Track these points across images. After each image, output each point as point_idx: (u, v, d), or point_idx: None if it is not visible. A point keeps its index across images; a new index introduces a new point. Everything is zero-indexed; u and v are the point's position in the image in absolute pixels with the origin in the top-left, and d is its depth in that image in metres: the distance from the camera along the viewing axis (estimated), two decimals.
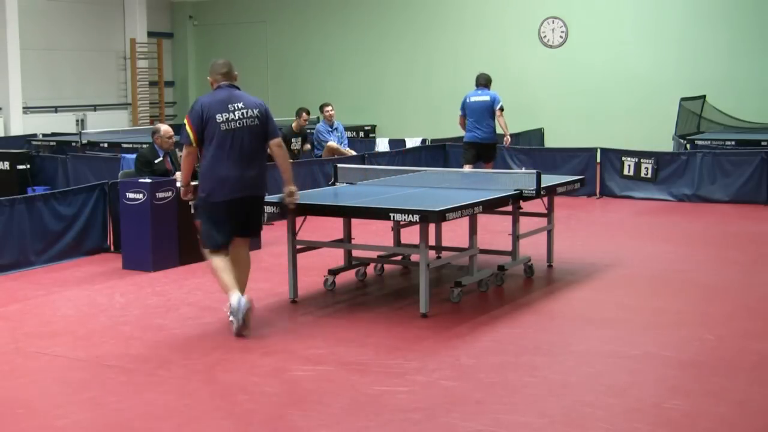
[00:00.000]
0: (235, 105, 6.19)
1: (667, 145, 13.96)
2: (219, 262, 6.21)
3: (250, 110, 6.22)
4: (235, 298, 6.05)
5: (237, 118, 6.17)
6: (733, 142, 13.01)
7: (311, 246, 7.28)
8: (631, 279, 7.86)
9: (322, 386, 5.15)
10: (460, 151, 14.23)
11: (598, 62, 17.19)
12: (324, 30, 20.08)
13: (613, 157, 12.84)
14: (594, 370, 5.41)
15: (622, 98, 16.97)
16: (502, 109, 11.46)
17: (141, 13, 20.33)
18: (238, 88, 6.36)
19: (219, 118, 6.13)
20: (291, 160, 12.61)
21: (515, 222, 7.71)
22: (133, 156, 10.75)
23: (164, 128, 9.45)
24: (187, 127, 6.19)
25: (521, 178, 7.72)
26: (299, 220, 7.05)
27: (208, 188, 6.19)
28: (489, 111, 11.46)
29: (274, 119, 6.48)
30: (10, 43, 17.19)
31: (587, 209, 11.90)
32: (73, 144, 14.72)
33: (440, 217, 6.39)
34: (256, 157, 6.25)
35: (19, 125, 17.46)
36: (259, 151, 6.28)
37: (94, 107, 19.69)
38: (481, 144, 11.62)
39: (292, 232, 6.99)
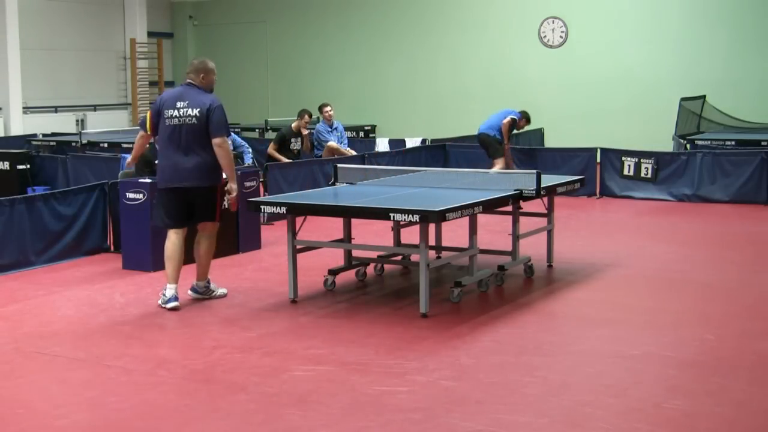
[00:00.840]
0: (182, 103, 6.81)
1: (667, 145, 13.96)
2: (168, 247, 6.92)
3: (191, 109, 6.78)
4: (171, 290, 6.86)
5: (178, 115, 6.79)
6: (733, 142, 13.01)
7: (311, 246, 7.29)
8: (631, 279, 7.86)
9: (322, 386, 5.15)
10: (459, 151, 14.34)
11: (598, 62, 17.19)
12: (324, 30, 20.07)
13: (613, 157, 12.84)
14: (594, 370, 5.41)
15: (623, 98, 16.96)
16: (511, 120, 12.78)
17: (141, 13, 20.33)
18: (199, 87, 6.92)
19: (166, 113, 6.90)
20: (290, 160, 12.78)
21: (515, 222, 7.71)
22: None
23: None
24: (147, 116, 7.09)
25: (521, 178, 7.73)
26: (299, 220, 7.06)
27: (157, 174, 7.06)
28: (499, 116, 12.95)
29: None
30: (10, 43, 17.19)
31: (587, 209, 11.90)
32: (73, 144, 14.72)
33: (440, 217, 6.39)
34: (193, 151, 6.78)
35: (19, 125, 17.46)
36: (197, 146, 6.79)
37: (94, 107, 19.69)
38: (477, 136, 13.18)
39: (292, 232, 6.99)
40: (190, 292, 7.11)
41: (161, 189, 6.95)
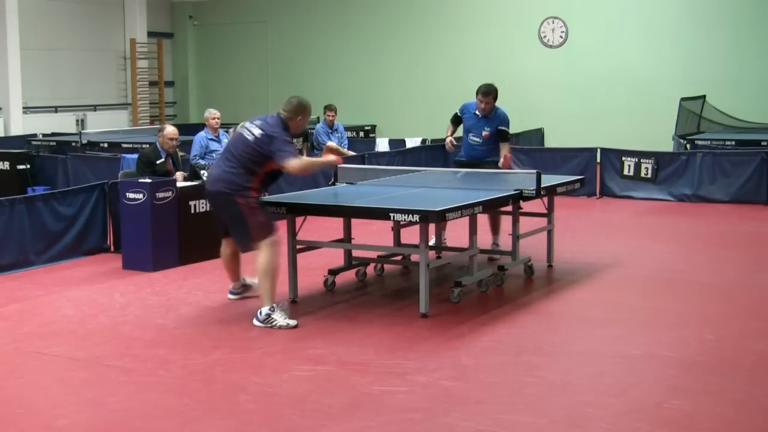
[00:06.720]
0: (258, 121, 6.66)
1: (667, 145, 13.96)
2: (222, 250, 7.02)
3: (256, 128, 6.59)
4: (231, 287, 7.17)
5: (247, 126, 6.63)
6: (733, 142, 13.01)
7: (311, 246, 7.28)
8: (631, 279, 7.86)
9: (322, 386, 5.15)
10: (459, 152, 14.28)
11: (598, 62, 17.19)
12: (324, 30, 20.08)
13: (613, 157, 12.85)
14: (594, 370, 5.41)
15: (622, 98, 16.96)
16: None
17: (141, 13, 20.33)
18: (279, 116, 6.63)
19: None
20: None
21: (515, 222, 7.71)
22: (133, 156, 10.76)
23: (169, 129, 9.40)
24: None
25: (521, 178, 7.73)
26: (299, 220, 7.06)
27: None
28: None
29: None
30: (10, 43, 17.20)
31: (587, 209, 11.90)
32: (73, 144, 14.71)
33: (440, 217, 6.39)
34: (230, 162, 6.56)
35: (19, 125, 17.46)
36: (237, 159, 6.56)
37: (94, 107, 19.69)
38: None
39: (292, 232, 6.99)
40: (253, 320, 6.49)
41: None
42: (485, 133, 8.58)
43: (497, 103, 8.63)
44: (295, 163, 6.45)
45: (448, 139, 8.92)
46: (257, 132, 6.50)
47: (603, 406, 4.80)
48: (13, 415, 4.81)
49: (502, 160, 8.47)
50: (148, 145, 10.95)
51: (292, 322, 6.35)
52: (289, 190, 10.54)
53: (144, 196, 8.25)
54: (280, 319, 6.34)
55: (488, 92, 8.49)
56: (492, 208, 7.41)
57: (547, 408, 4.79)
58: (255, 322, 6.40)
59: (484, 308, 6.88)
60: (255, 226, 6.45)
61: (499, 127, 8.50)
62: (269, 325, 6.33)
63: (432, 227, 7.71)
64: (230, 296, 7.16)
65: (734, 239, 9.76)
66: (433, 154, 14.35)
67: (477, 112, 8.62)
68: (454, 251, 8.14)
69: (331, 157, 7.01)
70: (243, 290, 7.14)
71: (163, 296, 7.35)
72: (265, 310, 6.38)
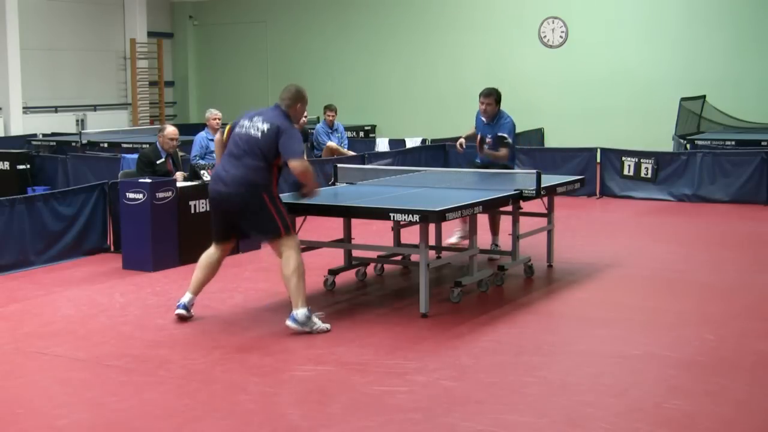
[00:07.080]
0: (258, 117, 6.43)
1: (667, 145, 13.96)
2: (203, 255, 6.66)
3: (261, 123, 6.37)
4: (184, 297, 6.59)
5: (247, 125, 6.40)
6: (733, 142, 13.01)
7: (311, 246, 7.28)
8: (631, 279, 7.86)
9: (322, 386, 5.15)
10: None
11: (598, 62, 17.19)
12: (324, 30, 20.08)
13: (613, 157, 12.85)
14: (594, 370, 5.41)
15: (622, 98, 16.97)
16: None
17: (141, 13, 20.33)
18: (279, 107, 6.47)
19: (239, 123, 6.47)
20: None
21: (515, 222, 7.71)
22: (133, 156, 10.76)
23: (169, 129, 9.40)
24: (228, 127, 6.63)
25: (521, 178, 7.73)
26: (299, 220, 7.06)
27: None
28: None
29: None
30: (10, 43, 17.20)
31: (587, 209, 11.90)
32: (73, 144, 14.72)
33: (440, 217, 6.40)
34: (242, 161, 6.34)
35: (19, 125, 17.47)
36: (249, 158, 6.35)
37: (94, 107, 19.69)
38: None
39: None
40: (288, 322, 6.23)
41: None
42: (488, 139, 8.50)
43: (504, 109, 8.62)
44: (300, 163, 6.34)
45: (460, 140, 8.89)
46: (264, 126, 6.33)
47: (603, 406, 4.80)
48: (13, 415, 4.81)
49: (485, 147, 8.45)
50: (148, 145, 10.96)
51: (328, 326, 6.28)
52: (289, 191, 10.56)
53: (144, 196, 8.25)
54: (319, 323, 6.25)
55: (489, 94, 8.55)
56: (492, 208, 7.42)
57: (547, 408, 4.79)
58: (291, 324, 6.17)
59: (484, 308, 6.88)
60: (283, 218, 6.37)
61: (498, 133, 8.42)
62: (309, 329, 6.17)
63: (432, 227, 7.71)
64: (180, 311, 6.54)
65: (734, 239, 9.76)
66: (433, 154, 14.35)
67: (483, 117, 8.61)
68: (454, 251, 8.14)
69: (318, 190, 6.74)
70: (190, 311, 6.62)
71: (163, 296, 7.35)
72: (303, 311, 6.18)
